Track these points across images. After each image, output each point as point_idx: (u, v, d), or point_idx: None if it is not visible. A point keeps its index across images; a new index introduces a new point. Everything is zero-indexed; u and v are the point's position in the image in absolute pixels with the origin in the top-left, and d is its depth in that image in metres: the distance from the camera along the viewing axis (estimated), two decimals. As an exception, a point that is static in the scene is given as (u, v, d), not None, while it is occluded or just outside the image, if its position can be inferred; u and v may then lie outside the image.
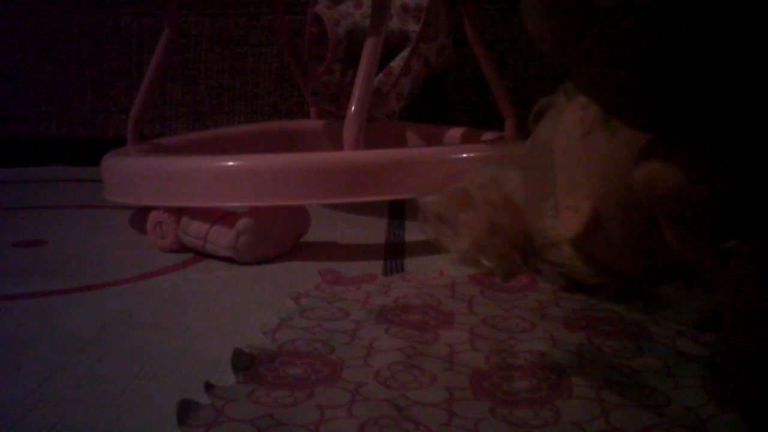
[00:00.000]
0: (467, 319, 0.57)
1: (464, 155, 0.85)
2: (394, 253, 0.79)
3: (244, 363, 0.49)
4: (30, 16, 1.34)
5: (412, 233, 0.87)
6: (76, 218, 0.97)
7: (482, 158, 0.84)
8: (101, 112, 1.36)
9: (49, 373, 0.49)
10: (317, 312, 0.59)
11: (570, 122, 0.64)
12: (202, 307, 0.63)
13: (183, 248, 0.79)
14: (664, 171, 0.50)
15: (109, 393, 0.46)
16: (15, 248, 0.83)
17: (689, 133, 0.49)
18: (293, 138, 1.19)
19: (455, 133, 1.11)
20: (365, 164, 0.79)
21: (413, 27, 1.02)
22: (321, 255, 0.78)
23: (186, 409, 0.42)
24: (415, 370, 0.48)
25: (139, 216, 0.93)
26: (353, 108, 0.80)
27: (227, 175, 0.77)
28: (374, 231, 0.89)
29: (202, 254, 0.78)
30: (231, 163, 0.77)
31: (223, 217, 0.76)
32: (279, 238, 0.77)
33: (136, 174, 0.85)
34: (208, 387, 0.45)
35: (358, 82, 0.81)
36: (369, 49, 0.81)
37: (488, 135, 1.04)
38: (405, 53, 1.01)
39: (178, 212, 0.78)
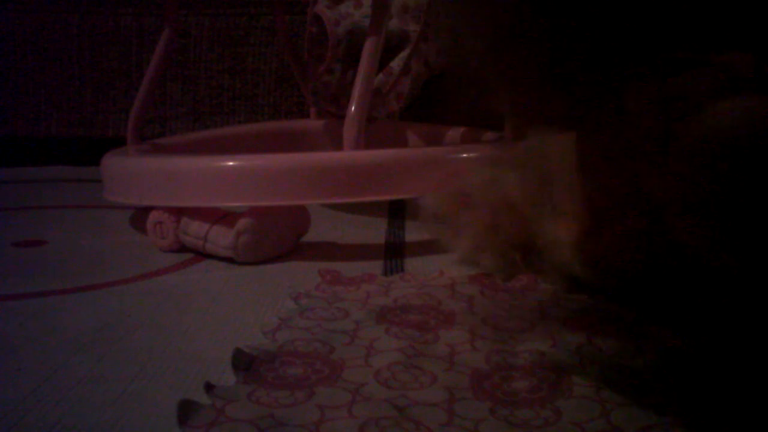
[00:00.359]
0: (467, 319, 0.57)
1: (464, 155, 0.85)
2: (394, 253, 0.79)
3: (245, 363, 0.49)
4: (30, 17, 1.34)
5: (412, 233, 0.87)
6: (76, 218, 0.97)
7: (482, 158, 0.83)
8: (101, 112, 1.36)
9: (49, 373, 0.49)
10: (317, 312, 0.59)
11: None
12: (202, 307, 0.63)
13: (183, 248, 0.79)
14: None
15: (109, 393, 0.46)
16: (15, 248, 0.83)
17: None
18: (293, 138, 1.18)
19: (455, 133, 1.11)
20: (365, 164, 0.79)
21: (413, 27, 1.02)
22: (321, 255, 0.78)
23: (186, 410, 0.42)
24: (416, 370, 0.48)
25: (139, 216, 0.93)
26: (353, 108, 0.80)
27: (227, 175, 0.77)
28: (374, 231, 0.89)
29: (202, 254, 0.78)
30: (231, 163, 0.77)
31: (223, 217, 0.76)
32: (279, 238, 0.77)
33: (136, 174, 0.85)
34: (209, 387, 0.45)
35: (358, 82, 0.81)
36: (369, 49, 0.81)
37: (488, 135, 1.04)
38: (405, 53, 1.01)
39: (178, 212, 0.78)
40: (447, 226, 0.72)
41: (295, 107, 1.32)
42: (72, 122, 1.36)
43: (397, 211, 0.98)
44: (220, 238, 0.75)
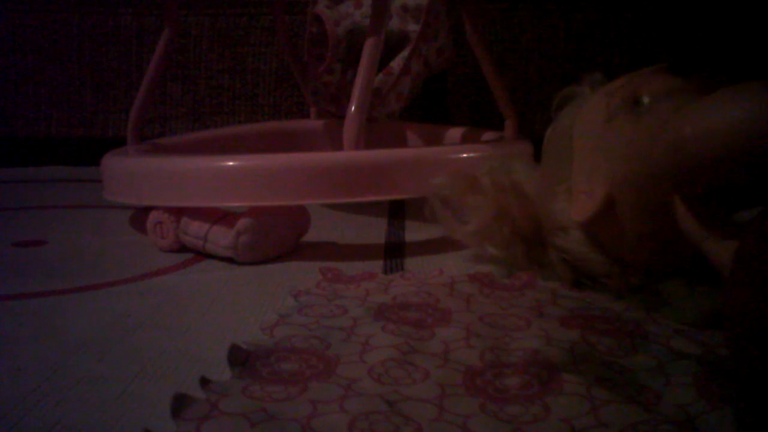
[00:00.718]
0: (464, 317, 0.57)
1: (464, 155, 0.85)
2: (394, 252, 0.79)
3: (241, 359, 0.49)
4: (30, 16, 1.34)
5: (412, 233, 0.87)
6: (76, 218, 0.97)
7: (482, 158, 0.83)
8: (101, 112, 1.36)
9: (49, 373, 0.49)
10: (316, 309, 0.59)
11: (593, 108, 0.64)
12: (202, 307, 0.63)
13: (183, 248, 0.79)
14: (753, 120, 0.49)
15: (109, 393, 0.46)
16: (15, 248, 0.83)
17: None
18: (293, 138, 1.19)
19: (455, 133, 1.11)
20: (365, 164, 0.79)
21: (413, 27, 1.02)
22: (321, 255, 0.78)
23: (180, 403, 0.42)
24: (409, 367, 0.48)
25: (139, 216, 0.93)
26: (353, 108, 0.80)
27: (227, 175, 0.77)
28: (374, 231, 0.89)
29: (202, 254, 0.78)
30: (231, 163, 0.77)
31: (223, 217, 0.76)
32: (279, 238, 0.77)
33: (136, 174, 0.85)
34: (204, 382, 0.45)
35: (358, 82, 0.81)
36: (369, 49, 0.81)
37: (488, 135, 1.05)
38: (405, 53, 1.01)
39: (178, 212, 0.78)
40: (454, 210, 0.71)
41: (295, 107, 1.32)
42: (72, 122, 1.36)
43: (397, 211, 0.98)
44: (220, 238, 0.75)
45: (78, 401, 0.45)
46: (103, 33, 1.34)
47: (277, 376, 0.47)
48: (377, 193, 0.79)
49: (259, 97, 1.34)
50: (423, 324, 0.56)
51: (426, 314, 0.58)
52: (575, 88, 0.70)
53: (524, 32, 1.28)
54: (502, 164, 0.71)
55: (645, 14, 1.27)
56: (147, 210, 0.81)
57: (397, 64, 1.01)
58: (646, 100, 0.59)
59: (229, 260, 0.75)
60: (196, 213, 0.78)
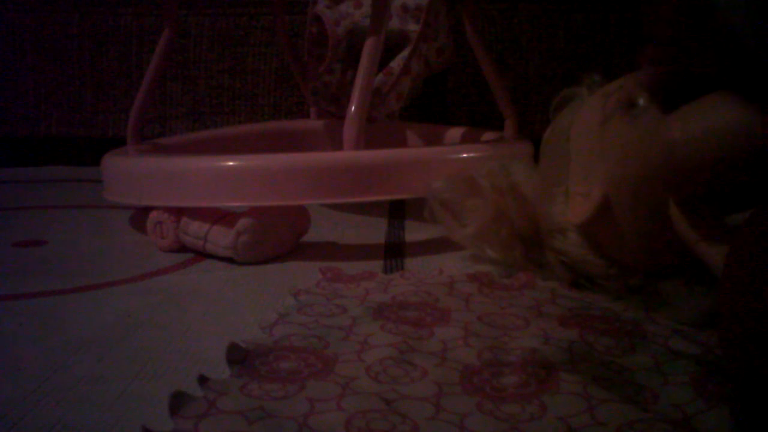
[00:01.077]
0: (463, 316, 0.57)
1: (464, 155, 0.85)
2: (394, 252, 0.79)
3: (239, 357, 0.49)
4: (30, 16, 1.34)
5: (412, 233, 0.87)
6: (76, 218, 0.97)
7: (482, 158, 0.84)
8: (101, 112, 1.36)
9: (49, 373, 0.49)
10: (315, 308, 0.59)
11: (590, 110, 0.64)
12: (202, 307, 0.63)
13: (183, 248, 0.79)
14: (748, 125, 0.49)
15: (109, 393, 0.46)
16: (15, 248, 0.83)
17: None
18: (293, 138, 1.19)
19: (455, 133, 1.11)
20: (365, 164, 0.79)
21: (413, 27, 1.02)
22: (321, 255, 0.78)
23: (178, 401, 0.42)
24: (407, 366, 0.48)
25: (139, 216, 0.93)
26: (353, 108, 0.80)
27: (227, 175, 0.77)
28: (374, 231, 0.89)
29: (202, 254, 0.78)
30: (231, 163, 0.77)
31: (223, 217, 0.76)
32: (279, 238, 0.77)
33: (136, 174, 0.85)
34: (202, 380, 0.45)
35: (358, 82, 0.81)
36: (369, 49, 0.81)
37: (488, 135, 1.05)
38: (405, 53, 1.01)
39: (178, 212, 0.78)
40: (453, 212, 0.72)
41: (295, 107, 1.32)
42: (72, 122, 1.36)
43: (397, 211, 0.98)
44: (220, 238, 0.75)
45: (78, 401, 0.45)
46: (103, 33, 1.34)
47: (275, 375, 0.47)
48: (377, 193, 0.79)
49: (259, 97, 1.34)
50: (422, 323, 0.56)
51: (425, 313, 0.58)
52: (573, 90, 0.70)
53: (524, 32, 1.28)
54: (500, 166, 0.71)
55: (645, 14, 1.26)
56: (147, 210, 0.81)
57: (397, 64, 1.01)
58: (641, 102, 0.59)
59: (229, 260, 0.75)
60: (196, 213, 0.78)
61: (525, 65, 1.28)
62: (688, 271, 0.59)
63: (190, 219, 0.77)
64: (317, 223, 0.84)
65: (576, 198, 0.63)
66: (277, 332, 0.54)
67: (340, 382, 0.46)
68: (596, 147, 0.62)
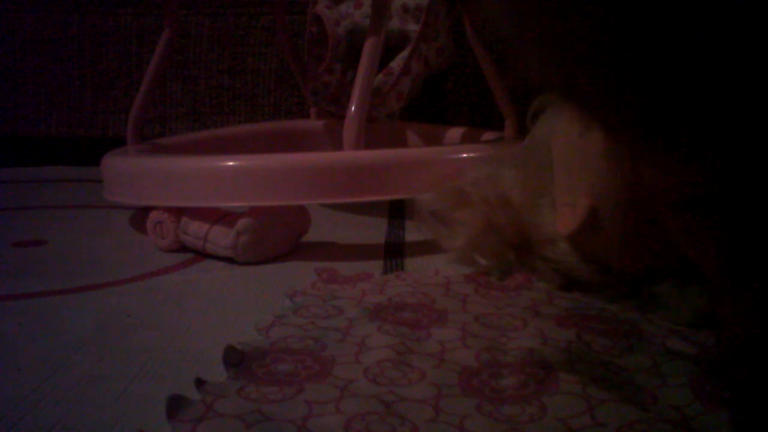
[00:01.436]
0: (460, 317, 0.57)
1: (464, 155, 0.85)
2: (393, 253, 0.79)
3: (236, 359, 0.49)
4: (30, 16, 1.34)
5: (412, 233, 0.87)
6: (76, 218, 0.97)
7: (482, 158, 0.84)
8: (101, 112, 1.36)
9: (49, 373, 0.49)
10: (311, 310, 0.59)
11: (569, 119, 0.64)
12: (202, 307, 0.63)
13: (183, 248, 0.79)
14: None
15: (109, 393, 0.46)
16: (15, 248, 0.83)
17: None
18: (293, 138, 1.19)
19: (455, 133, 1.11)
20: (365, 164, 0.79)
21: (413, 27, 1.02)
22: (321, 255, 0.78)
23: (176, 404, 0.42)
24: (405, 367, 0.48)
25: (139, 216, 0.93)
26: (353, 108, 0.80)
27: (227, 175, 0.77)
28: (374, 231, 0.89)
29: (202, 254, 0.78)
30: (231, 163, 0.77)
31: (223, 217, 0.76)
32: (279, 238, 0.77)
33: (136, 174, 0.85)
34: (199, 383, 0.45)
35: (358, 82, 0.81)
36: (369, 49, 0.81)
37: (488, 135, 1.05)
38: (405, 53, 1.01)
39: (178, 212, 0.78)
40: (443, 223, 0.72)
41: (295, 107, 1.32)
42: (72, 122, 1.36)
43: (397, 211, 0.98)
44: (220, 238, 0.75)
45: (78, 401, 0.45)
46: (103, 33, 1.34)
47: (272, 377, 0.47)
48: (377, 193, 0.79)
49: (259, 97, 1.34)
50: (419, 324, 0.56)
51: (422, 315, 0.58)
52: (549, 97, 0.70)
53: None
54: (488, 174, 0.71)
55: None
56: (147, 210, 0.81)
57: (397, 64, 1.01)
58: None
59: (229, 260, 0.75)
60: (196, 213, 0.78)
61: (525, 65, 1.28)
62: (683, 272, 0.59)
63: (190, 219, 0.77)
64: (317, 223, 0.84)
65: (563, 209, 0.63)
66: (273, 334, 0.54)
67: (338, 385, 0.46)
68: (577, 158, 0.62)
